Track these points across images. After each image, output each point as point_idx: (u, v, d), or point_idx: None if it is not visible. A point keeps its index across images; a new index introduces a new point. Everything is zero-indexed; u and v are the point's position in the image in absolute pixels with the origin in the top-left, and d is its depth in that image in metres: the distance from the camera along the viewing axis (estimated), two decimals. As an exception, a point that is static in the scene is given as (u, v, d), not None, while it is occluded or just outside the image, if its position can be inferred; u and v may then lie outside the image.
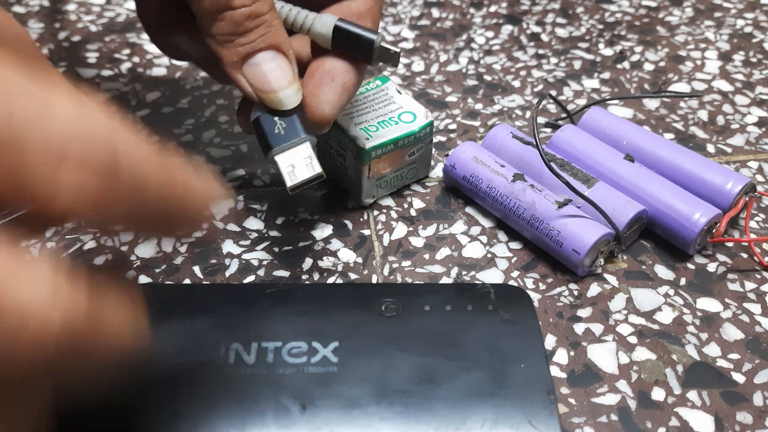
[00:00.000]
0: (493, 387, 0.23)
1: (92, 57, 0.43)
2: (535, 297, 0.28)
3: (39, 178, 0.13)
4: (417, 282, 0.28)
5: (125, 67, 0.42)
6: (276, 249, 0.30)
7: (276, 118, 0.26)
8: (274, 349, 0.24)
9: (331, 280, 0.29)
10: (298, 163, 0.25)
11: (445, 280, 0.29)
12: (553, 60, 0.43)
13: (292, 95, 0.25)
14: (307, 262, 0.30)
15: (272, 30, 0.25)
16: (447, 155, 0.33)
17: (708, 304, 0.28)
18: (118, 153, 0.14)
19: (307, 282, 0.28)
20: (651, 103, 0.39)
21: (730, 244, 0.31)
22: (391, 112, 0.32)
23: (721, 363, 0.26)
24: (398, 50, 0.27)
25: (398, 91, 0.33)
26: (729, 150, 0.36)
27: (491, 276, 0.29)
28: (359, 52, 0.27)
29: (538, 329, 0.25)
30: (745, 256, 0.30)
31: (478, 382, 0.23)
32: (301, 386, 0.23)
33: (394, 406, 0.22)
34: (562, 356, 0.26)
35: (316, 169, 0.25)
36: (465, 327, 0.25)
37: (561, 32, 0.46)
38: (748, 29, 0.46)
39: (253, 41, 0.25)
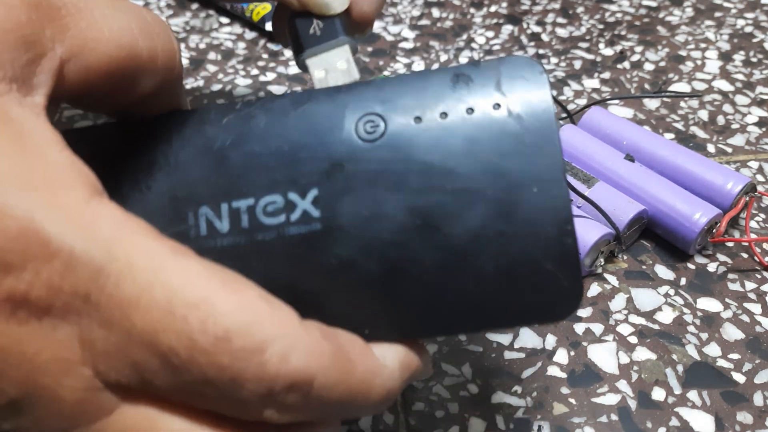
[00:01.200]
0: (501, 224, 0.18)
1: (92, 57, 0.43)
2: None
3: None
4: (403, 74, 0.21)
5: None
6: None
7: (314, 19, 0.23)
8: (248, 209, 0.19)
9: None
10: (332, 69, 0.22)
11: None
12: (554, 60, 0.43)
13: None
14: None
15: None
16: (447, 155, 0.33)
17: (708, 304, 0.28)
18: None
19: (266, 97, 0.22)
20: (651, 103, 0.39)
21: (730, 244, 0.31)
22: (392, 111, 0.32)
23: (722, 363, 0.26)
24: None
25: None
26: (729, 150, 0.36)
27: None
28: None
29: (554, 129, 0.19)
30: (745, 256, 0.30)
31: (483, 220, 0.19)
32: (283, 257, 0.18)
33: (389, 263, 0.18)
34: (562, 356, 0.26)
35: (354, 75, 0.22)
36: (465, 143, 0.19)
37: (561, 32, 0.46)
38: (748, 29, 0.46)
39: None
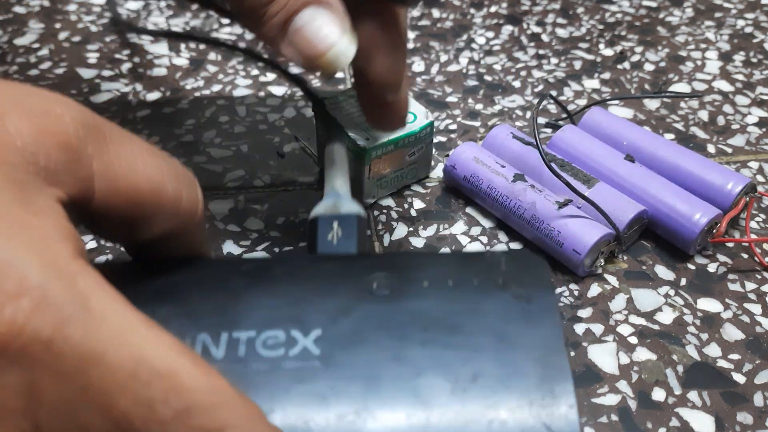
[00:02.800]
0: (502, 385, 0.19)
1: (92, 57, 0.43)
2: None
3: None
4: (415, 251, 0.24)
5: (125, 67, 0.42)
6: (276, 249, 0.30)
7: (335, 223, 0.24)
8: (247, 340, 0.20)
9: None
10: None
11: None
12: (554, 60, 0.43)
13: (344, 48, 0.22)
14: (308, 263, 0.30)
15: None
16: (447, 155, 0.33)
17: (708, 304, 0.28)
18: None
19: (271, 258, 0.25)
20: (651, 104, 0.39)
21: (730, 245, 0.31)
22: (392, 112, 0.32)
23: (722, 363, 0.26)
24: None
25: (398, 92, 0.33)
26: (729, 150, 0.36)
27: (492, 276, 0.29)
28: None
29: (556, 308, 0.21)
30: (745, 256, 0.30)
31: (485, 378, 0.19)
32: (274, 386, 0.19)
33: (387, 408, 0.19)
34: (562, 356, 0.26)
35: None
36: (470, 307, 0.21)
37: (561, 32, 0.46)
38: (748, 29, 0.46)
39: (285, 4, 0.22)
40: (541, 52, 0.44)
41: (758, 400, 0.25)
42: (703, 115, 0.38)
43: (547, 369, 0.19)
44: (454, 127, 0.37)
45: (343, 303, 0.21)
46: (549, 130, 0.37)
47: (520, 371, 0.19)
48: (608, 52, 0.44)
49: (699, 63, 0.43)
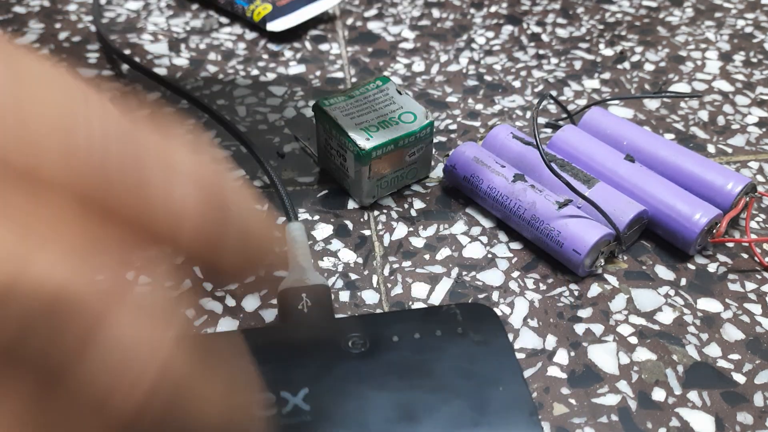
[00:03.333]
0: (476, 415, 0.22)
1: (92, 57, 0.43)
2: (535, 297, 0.28)
3: (165, 212, 0.13)
4: (379, 312, 0.27)
5: (125, 67, 0.42)
6: (276, 250, 0.30)
7: (303, 294, 0.25)
8: None
9: (331, 281, 0.29)
10: None
11: (445, 281, 0.29)
12: (554, 60, 0.43)
13: None
14: (308, 263, 0.30)
15: None
16: (447, 155, 0.33)
17: (708, 304, 0.28)
18: (226, 192, 0.14)
19: (258, 327, 0.27)
20: (651, 104, 0.39)
21: (730, 245, 0.31)
22: (392, 112, 0.32)
23: (722, 363, 0.26)
24: None
25: (398, 92, 0.33)
26: (729, 150, 0.36)
27: (492, 276, 0.29)
28: None
29: (511, 348, 0.24)
30: (745, 256, 0.30)
31: (460, 412, 0.22)
32: None
33: None
34: (562, 356, 0.26)
35: None
36: (437, 354, 0.24)
37: (561, 32, 0.46)
38: (748, 29, 0.46)
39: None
40: (541, 52, 0.44)
41: (758, 400, 0.25)
42: (703, 115, 0.38)
43: (511, 400, 0.22)
44: (454, 127, 0.37)
45: (324, 363, 0.23)
46: (549, 130, 0.37)
47: (489, 405, 0.22)
48: (608, 52, 0.44)
49: (699, 63, 0.43)
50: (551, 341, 0.27)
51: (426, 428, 0.22)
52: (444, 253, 0.30)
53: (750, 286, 0.29)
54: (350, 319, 0.26)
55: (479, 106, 0.39)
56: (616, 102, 0.39)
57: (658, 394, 0.25)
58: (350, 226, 0.32)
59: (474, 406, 0.22)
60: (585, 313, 0.28)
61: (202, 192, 0.13)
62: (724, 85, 0.41)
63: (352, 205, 0.33)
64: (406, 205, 0.33)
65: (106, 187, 0.12)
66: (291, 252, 0.27)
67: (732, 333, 0.27)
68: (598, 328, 0.27)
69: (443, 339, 0.24)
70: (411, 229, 0.31)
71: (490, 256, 0.30)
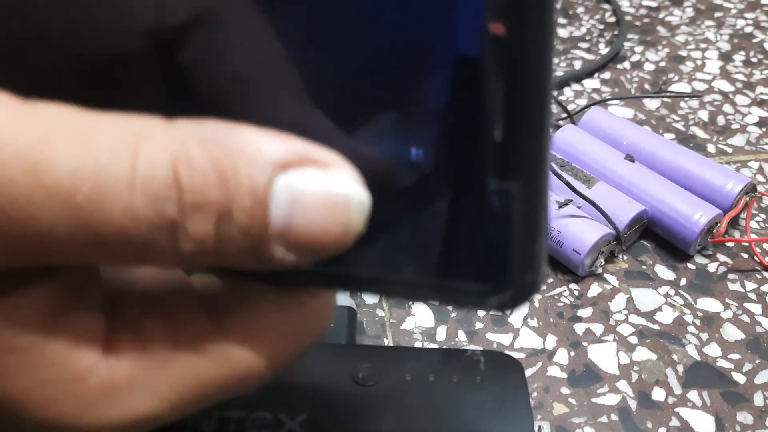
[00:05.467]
0: None
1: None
2: (535, 297, 0.28)
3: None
4: (399, 345, 0.25)
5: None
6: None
7: None
8: (237, 420, 0.21)
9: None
10: None
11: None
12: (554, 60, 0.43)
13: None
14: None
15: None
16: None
17: (708, 304, 0.28)
18: None
19: None
20: (651, 103, 0.39)
21: (730, 244, 0.31)
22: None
23: (722, 363, 0.26)
24: None
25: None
26: (729, 150, 0.36)
27: (492, 276, 0.29)
28: None
29: (530, 410, 0.22)
30: (745, 256, 0.30)
31: None
32: None
33: None
34: (562, 356, 0.26)
35: None
36: (448, 403, 0.22)
37: (561, 32, 0.46)
38: (748, 29, 0.46)
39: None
40: (541, 51, 0.44)
41: (758, 399, 0.25)
42: (703, 114, 0.38)
43: None
44: (454, 126, 0.37)
45: (330, 390, 0.22)
46: (549, 130, 0.37)
47: None
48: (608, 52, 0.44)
49: (699, 63, 0.43)
50: (551, 341, 0.27)
51: None
52: (444, 252, 0.30)
53: (750, 285, 0.29)
54: (366, 348, 0.25)
55: (479, 106, 0.39)
56: (616, 102, 0.39)
57: (658, 394, 0.25)
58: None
59: None
60: (585, 312, 0.28)
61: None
62: (724, 85, 0.41)
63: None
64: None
65: None
66: None
67: (732, 333, 0.27)
68: (598, 328, 0.27)
69: (459, 387, 0.22)
70: (411, 228, 0.31)
71: (490, 255, 0.30)
